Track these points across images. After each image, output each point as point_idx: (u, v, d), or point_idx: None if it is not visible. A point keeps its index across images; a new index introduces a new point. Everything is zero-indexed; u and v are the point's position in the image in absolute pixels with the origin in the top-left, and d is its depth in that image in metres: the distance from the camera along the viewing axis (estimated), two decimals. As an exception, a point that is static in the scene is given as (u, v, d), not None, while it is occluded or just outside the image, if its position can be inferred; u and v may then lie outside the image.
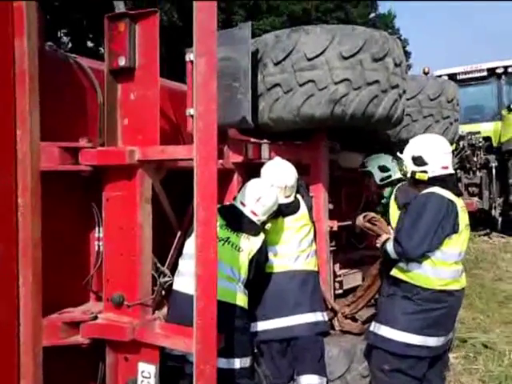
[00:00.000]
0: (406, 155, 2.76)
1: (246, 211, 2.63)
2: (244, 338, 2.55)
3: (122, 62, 2.23)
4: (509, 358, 4.01)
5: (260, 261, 2.64)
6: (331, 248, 3.48)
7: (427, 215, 2.50)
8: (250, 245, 2.58)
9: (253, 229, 2.62)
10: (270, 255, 2.81)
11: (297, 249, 2.88)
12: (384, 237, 2.81)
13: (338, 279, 3.72)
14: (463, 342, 4.37)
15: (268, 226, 2.75)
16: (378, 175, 3.49)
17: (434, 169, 2.63)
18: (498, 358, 4.01)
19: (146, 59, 2.26)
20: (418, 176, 2.65)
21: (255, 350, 2.71)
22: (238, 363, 2.47)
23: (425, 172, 2.64)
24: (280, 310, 2.77)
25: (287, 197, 2.89)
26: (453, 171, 2.73)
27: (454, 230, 2.54)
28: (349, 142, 3.76)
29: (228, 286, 2.48)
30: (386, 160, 3.52)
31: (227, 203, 2.82)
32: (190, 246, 2.45)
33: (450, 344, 3.69)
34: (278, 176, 2.85)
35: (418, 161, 2.66)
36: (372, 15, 27.40)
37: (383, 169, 3.47)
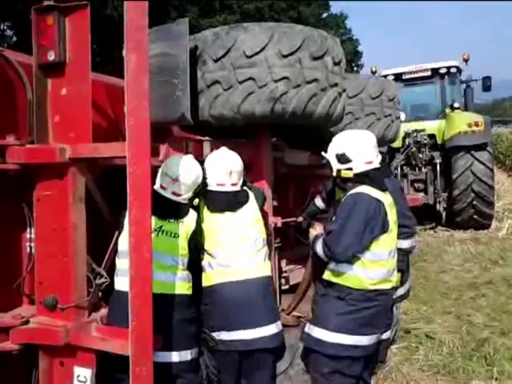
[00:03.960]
0: (330, 154, 2.70)
1: (168, 194, 2.52)
2: (193, 328, 2.51)
3: (51, 56, 2.14)
4: (448, 346, 4.18)
5: (197, 239, 2.57)
6: (276, 244, 3.51)
7: (355, 218, 2.47)
8: (184, 228, 2.50)
9: (180, 210, 2.52)
10: (223, 258, 2.64)
11: (253, 248, 2.70)
12: (313, 232, 2.80)
13: (284, 275, 3.76)
14: (407, 333, 4.51)
15: (196, 201, 2.64)
16: None
17: (358, 165, 2.58)
18: (438, 347, 4.17)
19: (77, 53, 2.19)
20: (344, 174, 2.60)
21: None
22: (188, 355, 2.44)
23: (350, 169, 2.59)
24: (243, 322, 2.59)
25: (233, 184, 2.74)
26: (378, 165, 2.67)
27: (384, 229, 2.52)
28: (293, 139, 3.81)
29: (169, 278, 2.41)
30: None
31: None
32: (124, 243, 2.40)
33: (392, 337, 3.80)
34: (222, 161, 2.75)
35: (342, 158, 2.61)
36: (324, 15, 27.84)
37: None
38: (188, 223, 2.53)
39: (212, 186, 2.73)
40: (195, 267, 2.62)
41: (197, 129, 3.04)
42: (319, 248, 2.61)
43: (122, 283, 2.41)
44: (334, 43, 2.99)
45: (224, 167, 2.73)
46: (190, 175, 2.56)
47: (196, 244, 2.58)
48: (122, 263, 2.44)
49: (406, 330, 4.55)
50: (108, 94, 2.89)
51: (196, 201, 2.66)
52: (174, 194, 2.52)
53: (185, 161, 2.57)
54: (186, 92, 2.58)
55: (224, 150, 2.85)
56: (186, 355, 2.43)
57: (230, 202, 2.72)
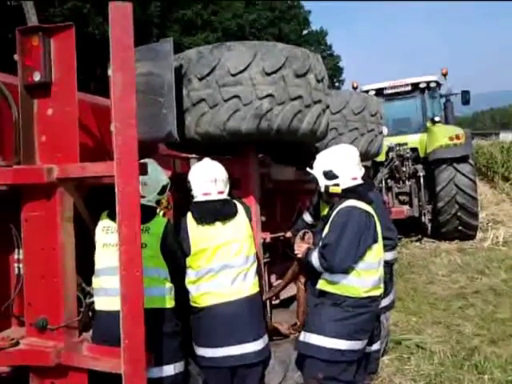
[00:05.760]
0: (317, 170, 2.82)
1: None
2: (175, 342, 2.47)
3: (37, 77, 2.16)
4: (439, 356, 4.20)
5: (172, 248, 2.49)
6: (265, 260, 3.52)
7: (350, 231, 2.59)
8: (151, 237, 2.42)
9: (146, 213, 2.40)
10: (212, 278, 2.61)
11: (245, 265, 2.69)
12: (304, 246, 2.86)
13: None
14: (398, 344, 4.53)
15: (163, 202, 2.61)
16: None
17: (345, 181, 2.73)
18: (429, 358, 4.20)
19: (63, 74, 2.21)
20: (332, 190, 2.73)
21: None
22: (171, 369, 2.41)
23: (337, 185, 2.73)
24: (230, 339, 2.61)
25: (220, 192, 2.74)
26: (362, 181, 2.83)
27: (375, 240, 2.67)
28: (279, 155, 3.85)
29: (151, 292, 2.34)
30: None
31: None
32: (102, 262, 2.39)
33: (383, 348, 3.83)
34: (206, 169, 2.76)
35: (329, 175, 2.75)
36: (305, 32, 28.31)
37: None
38: (155, 232, 2.44)
39: (198, 196, 2.73)
40: (180, 281, 2.59)
41: (183, 146, 3.07)
42: (315, 260, 2.68)
43: (98, 303, 2.40)
44: (317, 61, 3.05)
45: (208, 175, 2.73)
46: (151, 176, 2.47)
47: (176, 258, 2.53)
48: (97, 282, 2.41)
49: (396, 341, 4.57)
50: (93, 113, 2.91)
51: (164, 202, 2.61)
52: None
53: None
54: (172, 110, 2.62)
55: (206, 160, 2.86)
56: (169, 370, 2.40)
57: (218, 211, 2.69)
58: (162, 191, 2.62)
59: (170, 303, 2.47)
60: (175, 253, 2.55)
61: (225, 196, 2.77)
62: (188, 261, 2.64)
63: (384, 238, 2.91)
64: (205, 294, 2.63)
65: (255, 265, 2.80)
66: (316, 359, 2.63)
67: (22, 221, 2.27)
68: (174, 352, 2.44)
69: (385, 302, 3.53)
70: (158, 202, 2.60)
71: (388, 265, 3.40)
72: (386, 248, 3.26)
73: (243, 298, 2.66)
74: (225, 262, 2.64)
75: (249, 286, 2.71)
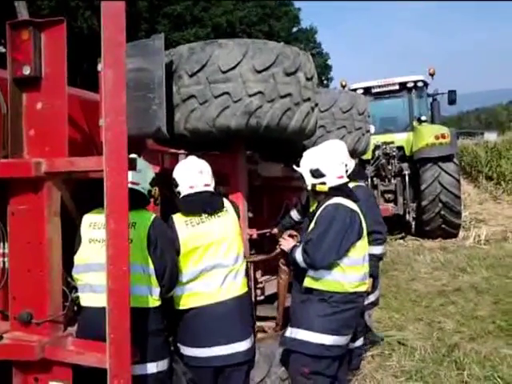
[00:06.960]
0: (304, 168, 2.84)
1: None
2: (158, 340, 2.44)
3: (26, 71, 2.15)
4: (420, 352, 4.27)
5: (159, 243, 2.40)
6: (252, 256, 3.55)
7: (334, 228, 2.62)
8: (138, 232, 2.35)
9: (139, 200, 2.43)
10: (202, 279, 2.59)
11: (235, 264, 2.67)
12: (291, 242, 2.88)
13: (260, 286, 3.80)
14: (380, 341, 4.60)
15: (156, 194, 2.62)
16: None
17: (331, 179, 2.76)
18: (410, 354, 4.26)
19: (53, 68, 2.20)
20: (319, 188, 2.76)
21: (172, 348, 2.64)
22: (154, 367, 2.38)
23: (323, 183, 2.76)
24: (219, 338, 2.58)
25: (206, 185, 2.72)
26: (347, 180, 2.87)
27: (359, 236, 2.70)
28: (267, 152, 3.88)
29: (136, 290, 2.27)
30: None
31: None
32: (88, 257, 2.35)
33: (364, 342, 3.89)
34: (190, 163, 2.76)
35: (316, 173, 2.77)
36: (294, 29, 28.31)
37: None
38: (142, 227, 2.38)
39: (184, 191, 2.70)
40: (169, 279, 2.49)
41: (172, 142, 3.07)
42: (298, 255, 2.70)
43: (84, 299, 2.37)
44: (306, 59, 3.08)
45: (194, 167, 2.73)
46: (142, 166, 2.50)
47: (165, 254, 2.44)
48: (83, 278, 2.37)
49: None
50: (81, 107, 2.90)
51: (156, 191, 2.63)
52: (132, 183, 2.40)
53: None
54: (162, 106, 2.62)
55: (191, 156, 2.87)
56: (152, 368, 2.38)
57: (206, 203, 2.66)
58: (152, 183, 2.61)
59: (154, 302, 2.41)
60: (163, 248, 2.44)
61: (211, 188, 2.75)
62: (178, 262, 2.56)
63: (374, 232, 2.96)
64: (195, 294, 2.60)
65: (244, 264, 2.80)
66: (302, 354, 2.66)
67: (9, 214, 2.26)
68: (156, 350, 2.41)
69: (371, 298, 3.59)
70: (150, 193, 2.58)
71: (377, 259, 3.44)
72: (376, 242, 3.31)
73: (233, 298, 2.65)
74: (216, 261, 2.61)
75: (238, 285, 2.70)
